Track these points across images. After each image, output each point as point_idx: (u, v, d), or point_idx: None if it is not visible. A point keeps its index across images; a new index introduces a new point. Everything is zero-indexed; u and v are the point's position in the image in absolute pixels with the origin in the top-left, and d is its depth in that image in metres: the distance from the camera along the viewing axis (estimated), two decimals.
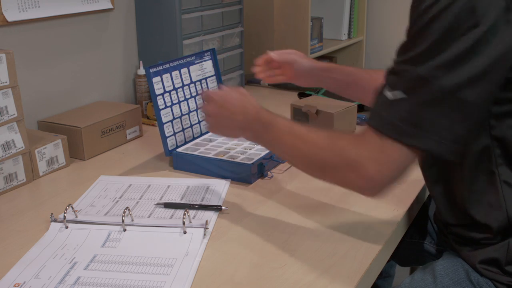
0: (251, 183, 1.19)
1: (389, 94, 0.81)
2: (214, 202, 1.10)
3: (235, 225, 1.02)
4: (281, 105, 1.77)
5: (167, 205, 1.08)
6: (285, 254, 0.91)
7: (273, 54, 1.31)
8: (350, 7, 2.44)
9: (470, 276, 0.96)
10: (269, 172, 1.23)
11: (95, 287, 0.83)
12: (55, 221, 1.01)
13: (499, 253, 0.91)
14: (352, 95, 1.33)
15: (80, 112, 1.47)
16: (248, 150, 1.28)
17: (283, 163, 1.28)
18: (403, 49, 0.82)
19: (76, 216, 1.02)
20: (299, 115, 1.49)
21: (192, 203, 1.09)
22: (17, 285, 0.83)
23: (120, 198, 1.13)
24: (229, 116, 1.03)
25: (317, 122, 1.45)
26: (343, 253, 0.92)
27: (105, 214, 1.06)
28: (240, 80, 1.95)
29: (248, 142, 1.33)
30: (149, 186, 1.18)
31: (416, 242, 1.26)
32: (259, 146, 1.30)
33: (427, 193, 1.22)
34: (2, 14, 1.28)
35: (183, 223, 0.96)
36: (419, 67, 0.78)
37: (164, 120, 1.27)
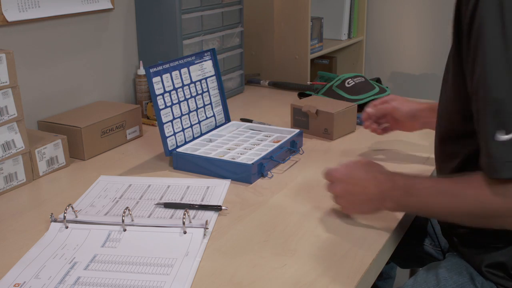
0: (251, 183, 1.19)
1: (505, 137, 0.77)
2: (214, 202, 1.10)
3: (235, 225, 1.02)
4: (281, 105, 1.78)
5: (167, 205, 1.08)
6: (285, 254, 0.91)
7: (370, 110, 1.29)
8: (350, 7, 2.44)
9: (474, 280, 0.95)
10: (269, 172, 1.23)
11: (95, 287, 0.83)
12: (55, 221, 1.01)
13: (506, 257, 0.91)
14: None
15: (80, 112, 1.47)
16: (248, 150, 1.28)
17: (283, 163, 1.29)
18: (486, 77, 0.78)
19: (76, 216, 1.02)
20: (299, 115, 1.49)
21: (192, 203, 1.09)
22: (17, 285, 0.83)
23: (120, 198, 1.13)
24: (361, 191, 0.96)
25: (317, 122, 1.45)
26: (343, 253, 0.92)
27: (105, 214, 1.06)
28: (240, 80, 1.95)
29: (249, 142, 1.34)
30: (149, 186, 1.18)
31: (416, 244, 1.26)
32: (259, 146, 1.30)
33: None
34: (2, 14, 1.28)
35: (183, 223, 0.96)
36: None
37: (164, 120, 1.27)
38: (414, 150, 1.37)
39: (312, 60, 2.22)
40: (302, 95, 1.83)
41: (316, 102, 1.49)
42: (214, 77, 1.44)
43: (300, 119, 1.50)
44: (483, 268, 0.93)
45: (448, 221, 0.91)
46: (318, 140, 1.45)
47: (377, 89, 1.68)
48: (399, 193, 0.92)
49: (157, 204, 1.09)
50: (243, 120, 1.59)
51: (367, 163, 0.99)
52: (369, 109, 1.29)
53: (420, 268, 1.07)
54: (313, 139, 1.46)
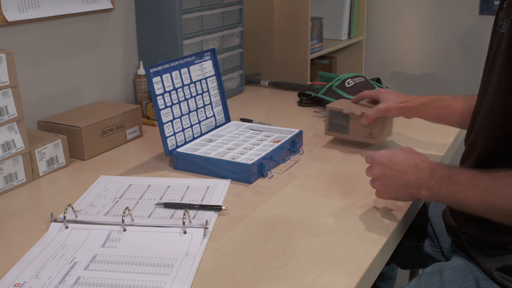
0: (251, 183, 1.19)
1: None
2: (214, 202, 1.10)
3: (235, 225, 1.02)
4: (281, 105, 1.78)
5: (167, 205, 1.08)
6: (285, 254, 0.91)
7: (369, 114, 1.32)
8: (350, 7, 2.44)
9: (479, 284, 0.94)
10: (269, 172, 1.23)
11: (95, 287, 0.83)
12: (55, 221, 1.01)
13: None
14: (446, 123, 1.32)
15: (80, 112, 1.47)
16: (248, 150, 1.28)
17: (283, 163, 1.28)
18: None
19: (76, 216, 1.02)
20: (337, 118, 1.38)
21: (192, 203, 1.09)
22: (17, 285, 0.83)
23: (120, 198, 1.13)
24: (400, 176, 0.98)
25: (360, 126, 1.34)
26: (343, 253, 0.92)
27: (105, 214, 1.06)
28: (240, 80, 1.95)
29: (249, 142, 1.34)
30: (149, 186, 1.18)
31: (415, 245, 1.26)
32: (259, 146, 1.30)
33: None
34: (2, 14, 1.28)
35: (183, 223, 0.96)
36: None
37: (164, 120, 1.27)
38: (416, 147, 1.37)
39: (312, 60, 2.22)
40: (302, 95, 1.83)
41: (350, 105, 1.39)
42: (214, 77, 1.44)
43: (339, 123, 1.38)
44: (494, 272, 0.91)
45: (482, 215, 0.90)
46: (318, 140, 1.45)
47: (377, 89, 1.68)
48: (435, 182, 0.92)
49: (157, 204, 1.09)
50: (243, 120, 1.59)
51: (410, 151, 1.01)
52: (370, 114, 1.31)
53: (424, 269, 1.05)
54: (314, 139, 1.45)
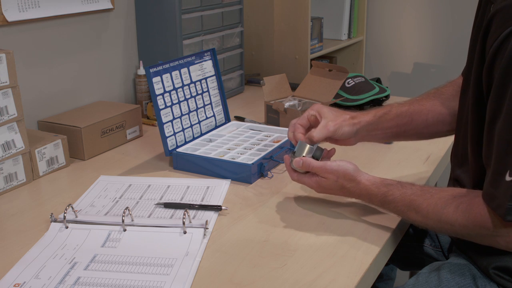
0: (251, 183, 1.19)
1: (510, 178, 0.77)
2: (214, 202, 1.10)
3: (235, 225, 1.02)
4: None
5: (167, 205, 1.08)
6: (285, 254, 0.91)
7: (316, 135, 1.06)
8: (350, 7, 2.44)
9: (476, 281, 0.94)
10: (269, 172, 1.23)
11: (95, 287, 0.83)
12: (55, 221, 1.01)
13: None
14: (409, 137, 1.14)
15: (80, 112, 1.47)
16: (248, 150, 1.28)
17: (283, 163, 1.28)
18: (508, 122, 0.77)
19: (76, 216, 1.02)
20: (271, 112, 1.55)
21: (192, 203, 1.09)
22: (17, 285, 0.83)
23: (120, 198, 1.13)
24: (335, 193, 1.04)
25: (286, 120, 1.50)
26: (343, 253, 0.92)
27: (105, 214, 1.06)
28: (240, 80, 1.95)
29: (249, 142, 1.34)
30: (149, 186, 1.18)
31: (416, 245, 1.25)
32: (259, 146, 1.30)
33: None
34: (2, 14, 1.28)
35: (183, 223, 0.96)
36: None
37: (164, 120, 1.27)
38: (414, 149, 1.37)
39: (312, 60, 2.22)
40: None
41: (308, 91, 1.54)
42: (214, 77, 1.44)
43: (272, 116, 1.54)
44: (490, 270, 0.92)
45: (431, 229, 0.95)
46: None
47: (377, 89, 1.68)
48: (377, 204, 0.99)
49: (157, 204, 1.09)
50: (236, 118, 1.60)
51: (344, 178, 1.00)
52: (315, 135, 1.07)
53: (423, 268, 1.06)
54: None
